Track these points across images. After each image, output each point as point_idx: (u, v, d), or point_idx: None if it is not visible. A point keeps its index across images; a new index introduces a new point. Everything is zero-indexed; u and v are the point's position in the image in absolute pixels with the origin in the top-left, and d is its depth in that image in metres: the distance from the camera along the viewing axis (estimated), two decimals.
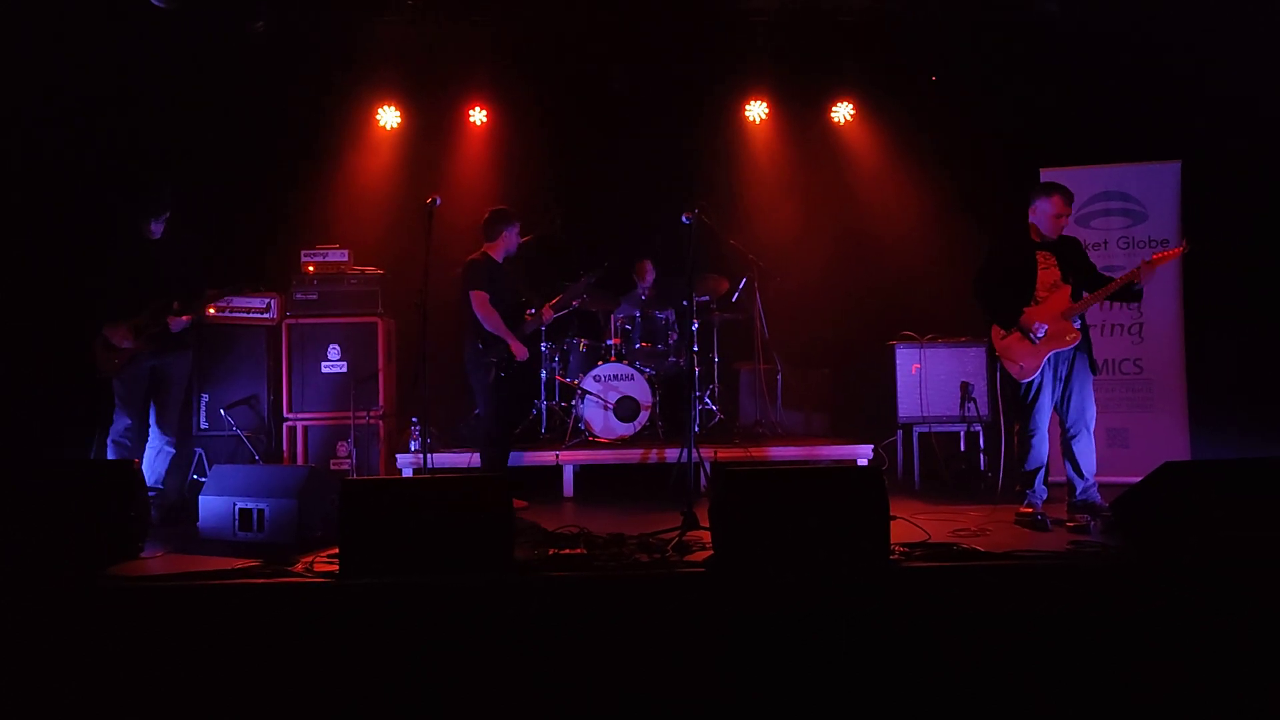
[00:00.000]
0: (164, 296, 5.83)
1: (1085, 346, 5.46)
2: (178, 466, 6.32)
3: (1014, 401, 5.58)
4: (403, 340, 7.58)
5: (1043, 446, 5.47)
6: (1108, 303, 5.93)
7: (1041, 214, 5.47)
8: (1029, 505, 5.39)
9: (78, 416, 6.37)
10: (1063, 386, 5.44)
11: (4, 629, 3.80)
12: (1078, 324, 5.43)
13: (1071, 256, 5.52)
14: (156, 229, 5.90)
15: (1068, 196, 5.46)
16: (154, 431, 6.01)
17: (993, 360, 7.12)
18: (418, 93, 8.40)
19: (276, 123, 8.14)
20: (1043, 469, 5.46)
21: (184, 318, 5.86)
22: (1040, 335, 5.35)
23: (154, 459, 5.99)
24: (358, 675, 3.75)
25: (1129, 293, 5.39)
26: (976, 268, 5.69)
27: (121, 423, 5.89)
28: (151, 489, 5.85)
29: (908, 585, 4.01)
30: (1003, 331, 5.51)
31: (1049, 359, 5.38)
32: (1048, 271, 5.46)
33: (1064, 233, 5.56)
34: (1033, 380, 5.39)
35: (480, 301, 6.13)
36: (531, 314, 6.45)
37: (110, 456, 5.86)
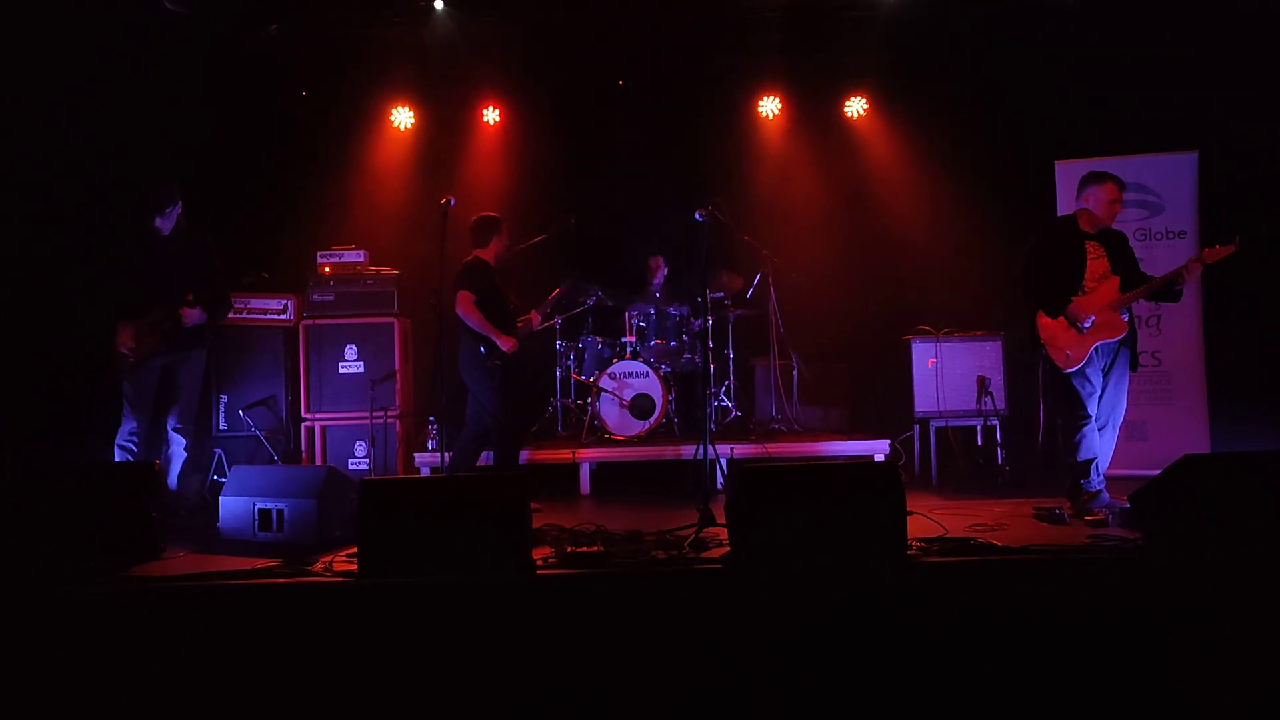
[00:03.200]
0: (175, 294, 5.71)
1: (1130, 340, 5.41)
2: (197, 467, 6.33)
3: (1059, 392, 5.50)
4: (419, 340, 7.61)
5: (1095, 435, 5.41)
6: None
7: (1096, 201, 5.40)
8: (1099, 509, 5.19)
9: (92, 418, 6.35)
10: (1101, 378, 5.41)
11: (28, 630, 3.84)
12: (1125, 316, 5.37)
13: (1119, 248, 5.47)
14: (164, 225, 5.78)
15: (1120, 184, 5.41)
16: (168, 433, 5.86)
17: (1009, 354, 7.14)
18: (431, 93, 8.44)
19: (290, 124, 8.19)
20: (1096, 459, 5.39)
21: (196, 309, 5.71)
22: (1088, 325, 5.31)
23: (169, 461, 5.86)
24: (377, 674, 3.77)
25: (1169, 291, 5.32)
26: (1025, 254, 5.59)
27: (128, 425, 5.74)
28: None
29: (925, 580, 3.99)
30: (1049, 320, 5.44)
31: (1094, 349, 5.35)
32: (1097, 262, 5.40)
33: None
34: (1081, 369, 5.36)
35: (463, 301, 6.05)
36: (522, 323, 6.40)
37: (116, 459, 5.71)
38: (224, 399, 7.13)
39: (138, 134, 7.25)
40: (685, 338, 7.83)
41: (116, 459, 5.72)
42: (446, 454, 5.97)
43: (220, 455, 6.96)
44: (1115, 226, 5.54)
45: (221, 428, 7.11)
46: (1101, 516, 5.08)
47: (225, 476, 6.21)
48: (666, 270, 8.28)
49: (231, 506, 5.05)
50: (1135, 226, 7.05)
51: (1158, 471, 4.50)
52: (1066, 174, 7.02)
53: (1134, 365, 5.46)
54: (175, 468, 5.86)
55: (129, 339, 5.66)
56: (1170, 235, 7.08)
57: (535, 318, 6.52)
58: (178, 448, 5.87)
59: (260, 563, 4.40)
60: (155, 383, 5.82)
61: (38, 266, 6.92)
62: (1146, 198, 7.15)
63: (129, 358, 5.67)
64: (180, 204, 5.86)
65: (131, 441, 5.76)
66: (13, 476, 4.65)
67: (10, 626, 3.84)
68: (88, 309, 6.04)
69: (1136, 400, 6.95)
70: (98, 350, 5.79)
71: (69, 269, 6.71)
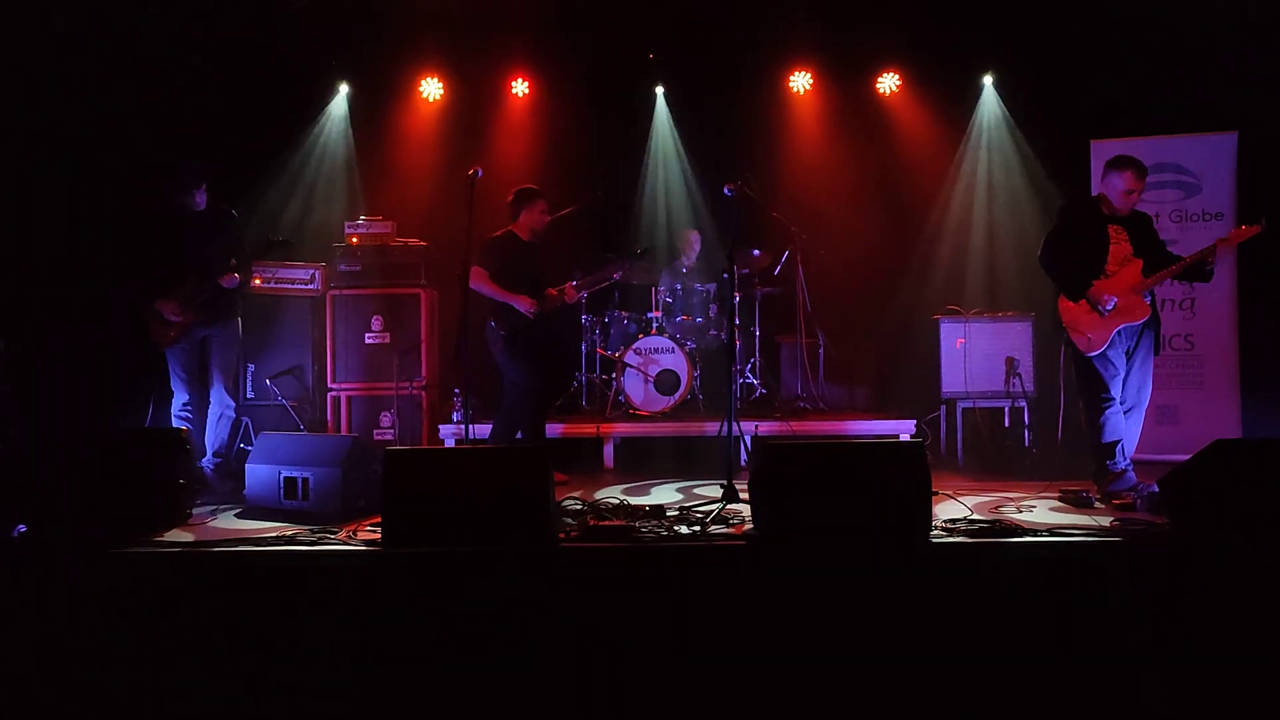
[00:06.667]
0: (206, 267, 5.86)
1: (1154, 323, 5.34)
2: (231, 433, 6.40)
3: (1081, 374, 5.43)
4: (446, 311, 7.62)
5: (1120, 418, 5.34)
6: None
7: (1112, 188, 5.32)
8: (1126, 491, 5.14)
9: (134, 387, 6.43)
10: (1125, 361, 5.35)
11: (54, 593, 3.89)
12: (1148, 299, 5.30)
13: (1143, 232, 5.39)
14: (195, 202, 5.93)
15: (1140, 171, 5.29)
16: (215, 397, 6.06)
17: (1039, 335, 7.06)
18: (460, 64, 8.41)
19: (320, 95, 8.20)
20: (1121, 441, 5.33)
21: (235, 275, 5.90)
22: (1109, 308, 5.23)
23: (215, 423, 6.06)
24: (398, 643, 3.80)
25: (1199, 272, 5.25)
26: (1046, 236, 5.53)
27: (180, 398, 5.96)
28: (218, 455, 6.03)
29: (949, 561, 3.97)
30: (1070, 303, 5.39)
31: (1117, 332, 5.28)
32: (1119, 245, 5.32)
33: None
34: (1103, 352, 5.29)
35: (474, 275, 5.93)
36: (555, 292, 6.36)
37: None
38: (251, 368, 7.16)
39: (166, 105, 7.25)
40: (712, 314, 7.80)
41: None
42: (471, 425, 5.98)
43: (247, 424, 7.01)
44: (1151, 207, 5.45)
45: (249, 396, 7.16)
46: (1129, 500, 5.03)
47: (252, 445, 6.27)
48: (701, 246, 8.23)
49: (257, 474, 5.10)
50: (1172, 208, 6.94)
51: (1188, 456, 4.44)
52: (1102, 154, 6.89)
53: (1157, 349, 5.40)
54: (224, 430, 6.07)
55: (175, 310, 5.82)
56: (1207, 217, 6.96)
57: (571, 292, 6.44)
58: (226, 410, 6.08)
59: (285, 530, 4.44)
60: (199, 354, 6.04)
61: (70, 245, 6.97)
62: (1184, 178, 7.03)
63: (175, 329, 5.84)
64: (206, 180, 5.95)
65: (187, 412, 5.97)
66: (44, 442, 4.72)
67: (38, 589, 3.90)
68: (124, 285, 6.13)
69: (1168, 384, 6.88)
70: (136, 325, 5.91)
71: (103, 248, 6.75)
